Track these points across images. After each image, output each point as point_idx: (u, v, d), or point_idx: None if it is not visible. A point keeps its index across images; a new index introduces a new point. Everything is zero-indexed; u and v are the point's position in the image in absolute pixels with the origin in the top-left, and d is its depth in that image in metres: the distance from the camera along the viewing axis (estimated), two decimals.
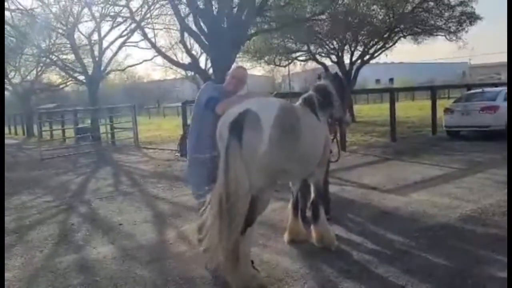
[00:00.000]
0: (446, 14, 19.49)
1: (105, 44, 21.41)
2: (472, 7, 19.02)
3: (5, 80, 24.95)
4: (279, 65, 27.04)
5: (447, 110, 12.89)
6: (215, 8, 11.67)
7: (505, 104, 12.02)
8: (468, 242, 4.28)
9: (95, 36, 21.17)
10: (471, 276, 3.50)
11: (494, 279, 3.43)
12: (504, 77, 52.04)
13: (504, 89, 13.21)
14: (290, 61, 25.98)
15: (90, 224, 5.76)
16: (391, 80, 58.11)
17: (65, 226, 5.69)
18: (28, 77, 28.66)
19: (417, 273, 3.58)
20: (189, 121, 6.67)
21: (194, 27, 12.23)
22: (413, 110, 24.24)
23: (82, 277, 3.94)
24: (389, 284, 3.45)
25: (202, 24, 11.66)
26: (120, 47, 21.75)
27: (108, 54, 22.56)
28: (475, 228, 4.67)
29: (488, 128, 11.87)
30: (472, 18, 19.43)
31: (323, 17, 17.89)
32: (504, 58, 60.89)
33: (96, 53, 21.18)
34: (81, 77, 22.59)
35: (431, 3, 19.14)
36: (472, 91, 14.70)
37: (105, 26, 21.73)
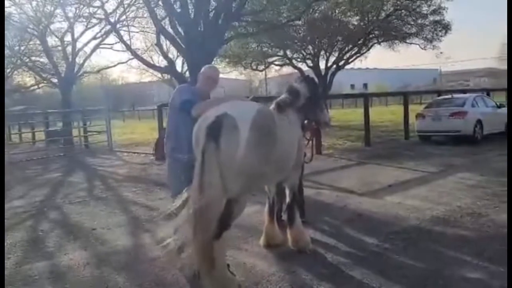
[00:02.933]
0: (419, 21, 20.09)
1: (78, 45, 20.96)
2: (443, 14, 19.70)
3: None
4: (256, 69, 27.20)
5: (419, 116, 13.24)
6: (192, 11, 11.63)
7: (473, 110, 12.48)
8: (439, 244, 4.39)
9: (68, 38, 20.71)
10: (442, 277, 3.59)
11: (465, 280, 3.53)
12: (472, 83, 53.92)
13: (472, 95, 13.71)
14: (266, 65, 26.17)
15: (62, 229, 5.60)
16: (365, 85, 59.20)
17: (35, 232, 5.52)
18: None
19: (391, 275, 3.65)
20: (165, 124, 6.58)
21: (170, 30, 12.15)
22: (387, 115, 24.74)
23: (53, 284, 3.83)
24: (364, 286, 3.50)
25: (178, 27, 11.59)
26: (94, 49, 21.33)
27: (82, 56, 22.08)
28: (445, 230, 4.80)
29: (457, 133, 12.24)
30: (447, 28, 20.13)
31: (299, 22, 18.10)
32: (472, 66, 63.11)
33: (69, 55, 20.70)
34: (54, 80, 22.01)
35: (404, 11, 19.70)
36: (442, 97, 15.15)
37: (79, 27, 21.30)
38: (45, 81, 23.89)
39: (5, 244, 5.02)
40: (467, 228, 4.84)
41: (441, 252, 4.17)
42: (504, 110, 13.23)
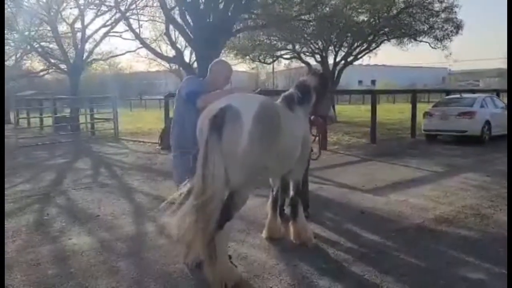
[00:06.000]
0: (431, 19, 19.85)
1: (88, 32, 21.02)
2: (455, 12, 19.46)
3: None
4: (264, 62, 27.08)
5: (426, 114, 13.15)
6: (202, 1, 11.61)
7: (482, 110, 12.38)
8: (441, 243, 4.39)
9: (78, 24, 20.75)
10: (443, 277, 3.59)
11: (466, 280, 3.53)
12: (482, 84, 53.41)
13: (481, 95, 13.58)
14: (275, 58, 26.05)
15: (67, 214, 5.66)
16: (373, 82, 58.88)
17: (40, 216, 5.59)
18: (7, 63, 27.87)
19: (392, 273, 3.66)
20: (171, 114, 6.59)
21: (180, 20, 12.13)
22: (394, 112, 24.62)
23: (57, 268, 3.88)
24: (364, 283, 3.51)
25: (188, 17, 11.58)
26: (103, 37, 21.38)
27: (91, 43, 22.15)
28: (448, 230, 4.80)
29: (465, 133, 12.16)
30: (458, 27, 19.88)
31: (309, 17, 17.98)
32: (483, 66, 62.54)
33: (78, 41, 20.76)
34: (63, 66, 22.11)
35: (415, 9, 19.47)
36: (451, 96, 15.04)
37: (89, 14, 21.38)
38: (54, 67, 24.00)
39: (11, 227, 5.09)
40: (470, 229, 4.83)
41: (443, 251, 4.17)
42: None
